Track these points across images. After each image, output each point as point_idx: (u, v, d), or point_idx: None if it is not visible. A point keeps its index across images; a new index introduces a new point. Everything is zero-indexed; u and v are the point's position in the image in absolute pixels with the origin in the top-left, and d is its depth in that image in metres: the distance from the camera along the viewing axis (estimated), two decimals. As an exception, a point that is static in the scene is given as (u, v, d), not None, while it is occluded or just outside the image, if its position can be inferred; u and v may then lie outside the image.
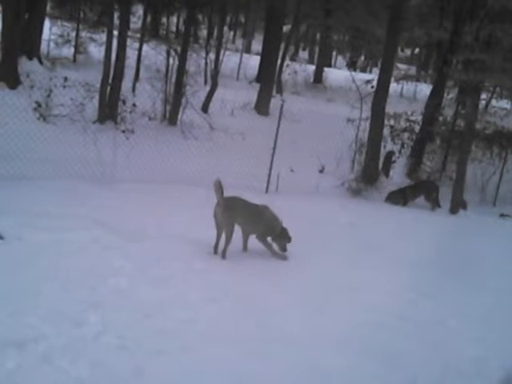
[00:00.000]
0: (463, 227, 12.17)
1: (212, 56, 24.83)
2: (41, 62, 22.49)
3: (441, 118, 16.90)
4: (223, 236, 8.29)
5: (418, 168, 15.94)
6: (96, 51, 26.59)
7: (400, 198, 13.23)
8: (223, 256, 8.18)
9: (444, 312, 7.43)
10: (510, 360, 6.21)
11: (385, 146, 15.68)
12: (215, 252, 8.29)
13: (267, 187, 12.33)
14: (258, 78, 27.73)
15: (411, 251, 9.75)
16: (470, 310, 7.59)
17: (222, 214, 8.16)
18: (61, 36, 28.21)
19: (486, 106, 23.36)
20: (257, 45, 44.49)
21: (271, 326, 6.33)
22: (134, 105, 15.41)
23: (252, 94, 22.62)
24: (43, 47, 25.07)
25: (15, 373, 4.85)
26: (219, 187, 8.08)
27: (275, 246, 8.68)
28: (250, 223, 8.56)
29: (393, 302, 7.51)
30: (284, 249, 8.66)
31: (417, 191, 13.50)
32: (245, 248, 8.66)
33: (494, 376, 5.94)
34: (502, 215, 13.59)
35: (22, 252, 7.15)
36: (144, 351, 5.48)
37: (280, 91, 26.75)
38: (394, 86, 23.09)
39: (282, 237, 8.64)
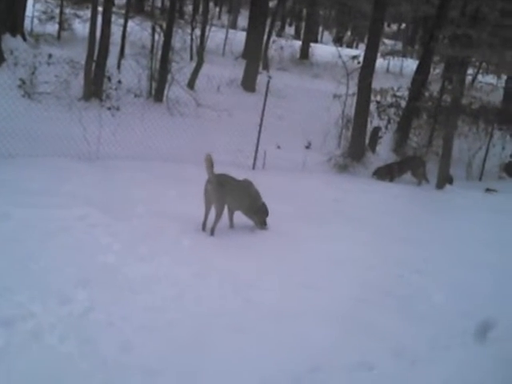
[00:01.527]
0: (449, 202, 12.23)
1: (198, 32, 24.70)
2: (25, 39, 22.23)
3: (427, 94, 16.91)
4: (212, 213, 8.30)
5: (404, 143, 15.97)
6: (80, 28, 26.34)
7: (387, 173, 13.25)
8: (212, 233, 8.19)
9: (430, 286, 7.48)
10: (496, 333, 6.28)
11: (371, 122, 15.69)
12: (203, 229, 8.30)
13: (254, 163, 12.34)
14: (244, 54, 27.55)
15: (397, 226, 9.80)
16: (456, 284, 7.64)
17: (213, 191, 8.16)
18: (44, 12, 27.83)
19: (473, 81, 23.43)
20: (243, 20, 44.25)
21: (257, 302, 6.36)
22: (120, 82, 15.32)
23: (238, 70, 22.52)
24: (27, 24, 24.76)
25: (4, 351, 4.86)
26: (210, 163, 8.07)
27: (255, 220, 8.77)
28: (238, 200, 8.60)
29: (379, 276, 7.56)
30: (263, 223, 8.77)
31: (404, 167, 13.52)
32: (231, 224, 8.68)
33: (479, 349, 6.01)
34: (487, 190, 13.66)
35: (9, 230, 7.15)
36: (132, 327, 5.50)
37: (266, 67, 26.65)
38: (380, 62, 23.12)
39: (262, 211, 8.75)
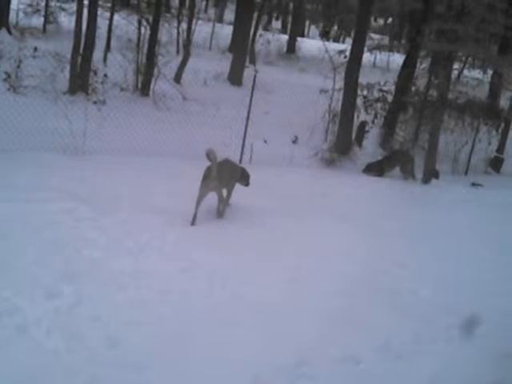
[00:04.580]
0: (435, 196, 12.28)
1: (184, 25, 24.56)
2: (10, 32, 22.09)
3: (413, 88, 16.93)
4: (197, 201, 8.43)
5: (390, 138, 15.98)
6: (66, 21, 26.18)
7: (378, 169, 13.22)
8: (222, 216, 8.70)
9: (415, 280, 7.52)
10: (482, 327, 6.32)
11: (358, 116, 15.70)
12: (193, 223, 8.31)
13: (241, 158, 12.32)
14: (231, 48, 27.52)
15: (383, 220, 9.83)
16: (440, 278, 7.68)
17: (216, 185, 8.41)
18: (30, 5, 27.65)
19: (459, 75, 23.46)
20: (229, 14, 44.12)
21: (244, 296, 6.36)
22: (106, 75, 15.24)
23: (225, 64, 22.48)
24: (12, 17, 24.62)
25: (-11, 345, 4.85)
26: (215, 158, 8.27)
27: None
28: (234, 182, 9.03)
29: (364, 270, 7.58)
30: (247, 184, 9.37)
31: (393, 163, 13.50)
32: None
33: (465, 343, 6.05)
34: (473, 184, 13.73)
35: (-7, 225, 7.11)
36: (118, 322, 5.49)
37: (253, 61, 26.60)
38: (367, 56, 23.09)
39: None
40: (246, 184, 9.29)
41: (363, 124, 15.69)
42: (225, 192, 8.79)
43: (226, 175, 8.67)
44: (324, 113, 15.91)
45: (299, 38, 38.01)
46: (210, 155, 8.21)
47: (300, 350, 5.47)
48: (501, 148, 16.39)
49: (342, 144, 14.19)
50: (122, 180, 9.63)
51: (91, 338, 5.19)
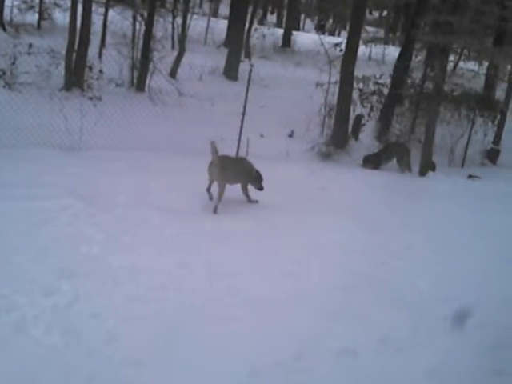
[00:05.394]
0: (432, 189, 12.27)
1: (179, 20, 24.52)
2: (4, 29, 22.06)
3: (409, 81, 16.94)
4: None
5: (387, 131, 15.98)
6: (61, 17, 26.06)
7: (376, 162, 13.20)
8: (215, 211, 8.70)
9: (413, 273, 7.53)
10: (479, 319, 6.33)
11: (354, 110, 15.68)
12: (210, 197, 8.95)
13: (237, 152, 12.30)
14: (226, 43, 27.45)
15: (381, 213, 9.83)
16: (439, 271, 7.69)
17: (218, 173, 8.80)
18: (24, 2, 27.53)
19: (454, 67, 23.51)
20: (224, 8, 44.00)
21: (242, 290, 6.37)
22: (101, 71, 15.21)
23: (220, 58, 22.44)
24: (6, 14, 24.57)
25: (-13, 343, 4.84)
26: (215, 148, 8.65)
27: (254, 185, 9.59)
28: (238, 176, 9.27)
29: (362, 263, 7.59)
30: (260, 188, 9.56)
31: (389, 155, 13.49)
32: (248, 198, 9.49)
33: (463, 334, 6.06)
34: (470, 176, 13.72)
35: (-10, 222, 7.10)
36: (116, 318, 5.50)
37: (248, 56, 26.58)
38: (362, 49, 23.12)
39: (257, 178, 9.52)
40: (259, 187, 9.52)
41: (359, 117, 15.69)
42: (221, 187, 8.84)
43: (233, 170, 9.07)
44: (320, 106, 15.90)
45: (294, 32, 37.92)
46: (211, 145, 8.64)
47: (298, 344, 5.47)
48: (497, 139, 16.38)
49: (338, 137, 14.18)
50: (119, 176, 9.61)
51: (89, 334, 5.20)
